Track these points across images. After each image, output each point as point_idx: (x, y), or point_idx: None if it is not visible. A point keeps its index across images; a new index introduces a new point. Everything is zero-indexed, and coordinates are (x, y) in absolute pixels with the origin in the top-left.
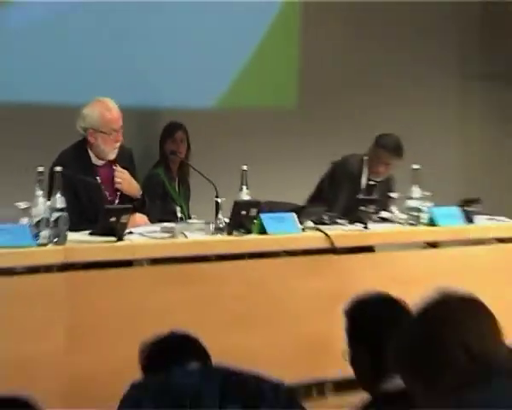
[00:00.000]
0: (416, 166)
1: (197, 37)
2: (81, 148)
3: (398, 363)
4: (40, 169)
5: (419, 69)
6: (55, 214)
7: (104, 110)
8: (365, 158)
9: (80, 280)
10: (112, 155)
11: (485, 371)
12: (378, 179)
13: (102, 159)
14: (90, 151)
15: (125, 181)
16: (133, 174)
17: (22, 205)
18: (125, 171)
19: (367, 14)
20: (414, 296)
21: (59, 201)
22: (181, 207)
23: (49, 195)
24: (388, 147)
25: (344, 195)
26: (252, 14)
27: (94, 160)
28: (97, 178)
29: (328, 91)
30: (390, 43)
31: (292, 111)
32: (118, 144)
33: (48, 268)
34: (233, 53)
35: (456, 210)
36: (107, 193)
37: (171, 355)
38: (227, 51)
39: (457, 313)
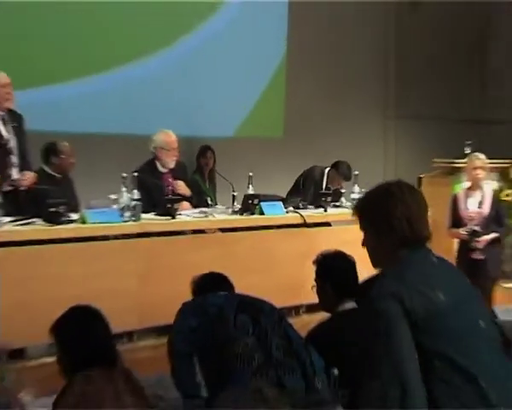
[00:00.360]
0: (356, 172)
1: (222, 88)
2: (152, 161)
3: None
4: (124, 175)
5: (355, 112)
6: (133, 202)
7: (166, 136)
8: (326, 170)
9: (149, 244)
10: (171, 165)
11: (418, 238)
12: (334, 186)
13: (165, 167)
14: (157, 163)
15: (181, 186)
16: (185, 180)
17: (113, 197)
18: (181, 182)
19: (325, 74)
20: (355, 252)
21: (135, 194)
22: (210, 198)
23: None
24: (343, 175)
25: (311, 191)
26: (257, 69)
27: (160, 168)
28: (161, 180)
29: (302, 128)
30: (337, 97)
31: (279, 139)
32: (175, 158)
33: (129, 236)
34: (244, 99)
35: None
36: (167, 189)
37: (208, 286)
38: (240, 98)
39: (403, 192)
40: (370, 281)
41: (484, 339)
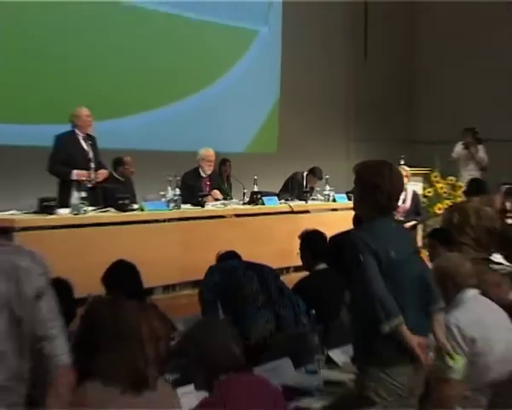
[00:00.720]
0: (327, 176)
1: (237, 120)
2: (197, 169)
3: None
4: (169, 178)
5: (326, 135)
6: (176, 197)
7: (207, 151)
8: (305, 174)
9: (187, 225)
10: (209, 172)
11: (390, 209)
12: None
13: (205, 174)
14: (200, 170)
15: (217, 193)
16: (218, 184)
17: (162, 193)
18: (216, 190)
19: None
20: (327, 230)
21: (177, 191)
22: (228, 194)
23: (180, 189)
24: (318, 176)
25: (296, 189)
26: (259, 107)
27: (202, 174)
28: (201, 182)
29: (289, 146)
30: (314, 125)
31: (274, 154)
32: (212, 168)
33: (172, 220)
34: (251, 128)
35: (343, 196)
36: (204, 188)
37: (226, 257)
38: (249, 127)
39: (392, 172)
40: (340, 234)
41: (413, 285)
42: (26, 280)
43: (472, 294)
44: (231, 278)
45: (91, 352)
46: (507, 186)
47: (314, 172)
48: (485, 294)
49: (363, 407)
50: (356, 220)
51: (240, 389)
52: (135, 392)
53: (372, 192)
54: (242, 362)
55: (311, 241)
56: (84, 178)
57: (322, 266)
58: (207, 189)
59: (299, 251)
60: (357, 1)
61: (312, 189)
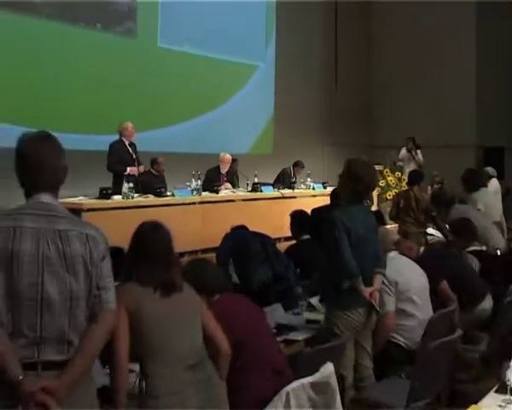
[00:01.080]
0: (308, 171)
1: (243, 130)
2: (217, 167)
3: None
4: (193, 173)
5: (308, 141)
6: (198, 186)
7: (224, 155)
8: (291, 167)
9: (206, 206)
10: (225, 170)
11: (364, 198)
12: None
13: (223, 171)
14: (220, 168)
15: (228, 185)
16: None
17: (188, 183)
18: (228, 183)
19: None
20: (309, 209)
21: (198, 183)
22: (236, 185)
23: (204, 181)
24: (301, 166)
25: (286, 180)
26: (258, 121)
27: (221, 171)
28: (220, 176)
29: (281, 148)
30: (298, 133)
31: (270, 154)
32: (228, 167)
33: (195, 203)
34: (253, 135)
35: (320, 186)
36: (222, 181)
37: (238, 228)
38: (251, 134)
39: (370, 169)
40: (320, 208)
41: (371, 254)
42: (93, 245)
43: (393, 255)
44: (240, 242)
45: (135, 263)
46: (437, 178)
47: (297, 164)
48: (403, 254)
49: (330, 338)
50: (333, 196)
51: (231, 301)
52: (165, 293)
53: (355, 182)
54: (230, 286)
55: (298, 218)
56: (133, 173)
57: (306, 236)
58: (224, 182)
59: (289, 225)
60: (329, 44)
61: (295, 180)
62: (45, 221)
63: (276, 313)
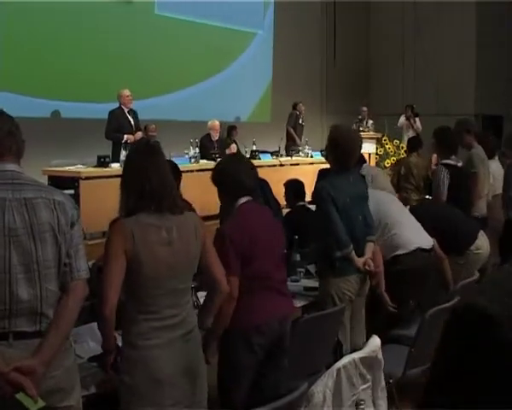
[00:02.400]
0: (307, 139)
1: (244, 98)
2: (208, 135)
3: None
4: (191, 140)
5: (307, 110)
6: (196, 154)
7: (212, 122)
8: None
9: (204, 175)
10: (216, 138)
11: (349, 166)
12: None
13: (214, 138)
14: (211, 135)
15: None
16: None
17: (185, 151)
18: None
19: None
20: (304, 178)
21: (196, 150)
22: None
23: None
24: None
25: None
26: (257, 88)
27: (212, 138)
28: (212, 143)
29: (279, 117)
30: (296, 100)
31: (268, 123)
32: (218, 134)
33: (192, 171)
34: (251, 103)
35: (318, 153)
36: (215, 149)
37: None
38: (249, 103)
39: (353, 134)
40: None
41: (360, 221)
42: (62, 212)
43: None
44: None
45: (130, 190)
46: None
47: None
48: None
49: (326, 306)
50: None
51: (255, 210)
52: (169, 213)
53: (335, 148)
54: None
55: (292, 186)
56: (130, 141)
57: (301, 203)
58: (217, 149)
59: (284, 193)
60: (328, 12)
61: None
62: (11, 190)
63: None
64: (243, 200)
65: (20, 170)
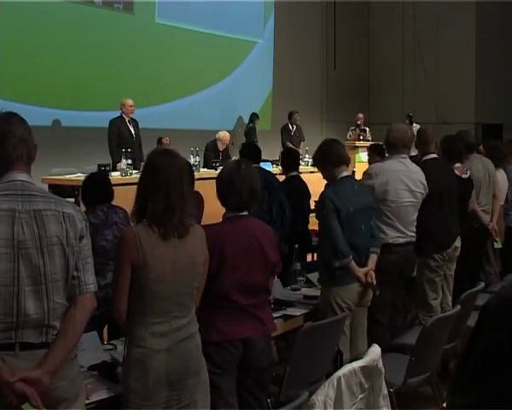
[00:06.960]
0: (307, 148)
1: (244, 107)
2: (215, 143)
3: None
4: (192, 149)
5: (307, 118)
6: (196, 162)
7: (224, 134)
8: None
9: (204, 183)
10: (222, 148)
11: (338, 172)
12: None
13: (220, 149)
14: (218, 145)
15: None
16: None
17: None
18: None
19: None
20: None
21: (197, 159)
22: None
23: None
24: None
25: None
26: (258, 99)
27: (219, 148)
28: (218, 152)
29: (279, 125)
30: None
31: (268, 130)
32: (225, 145)
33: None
34: (252, 108)
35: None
36: (219, 157)
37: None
38: (251, 107)
39: (341, 147)
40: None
41: (363, 231)
42: (71, 225)
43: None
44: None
45: (146, 197)
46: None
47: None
48: None
49: (326, 315)
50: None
51: (235, 230)
52: (177, 236)
53: (329, 166)
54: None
55: (287, 155)
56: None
57: (294, 173)
58: (221, 159)
59: (280, 163)
60: (328, 21)
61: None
62: (20, 201)
63: (276, 289)
64: (230, 214)
65: (30, 179)
